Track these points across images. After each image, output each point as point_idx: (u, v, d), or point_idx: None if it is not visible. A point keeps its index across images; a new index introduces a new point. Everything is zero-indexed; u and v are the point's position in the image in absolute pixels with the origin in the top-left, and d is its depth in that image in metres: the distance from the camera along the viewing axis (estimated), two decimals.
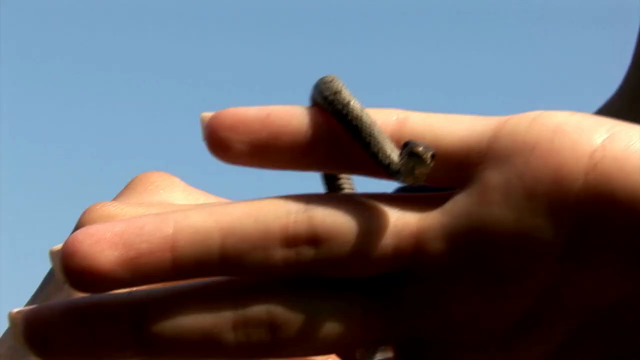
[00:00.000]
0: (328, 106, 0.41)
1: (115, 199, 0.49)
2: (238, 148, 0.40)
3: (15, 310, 0.41)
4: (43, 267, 0.48)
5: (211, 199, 0.48)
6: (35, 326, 0.40)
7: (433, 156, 0.38)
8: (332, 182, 0.45)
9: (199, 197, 0.48)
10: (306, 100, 0.42)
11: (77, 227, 0.46)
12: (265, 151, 0.41)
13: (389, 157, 0.40)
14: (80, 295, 0.41)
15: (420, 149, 0.38)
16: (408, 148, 0.38)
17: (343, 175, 0.45)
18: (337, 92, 0.41)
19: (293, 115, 0.41)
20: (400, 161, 0.38)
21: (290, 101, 0.42)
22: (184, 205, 0.46)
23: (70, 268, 0.39)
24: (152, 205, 0.46)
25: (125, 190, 0.49)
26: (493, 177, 0.39)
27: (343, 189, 0.45)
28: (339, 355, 0.45)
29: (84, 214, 0.46)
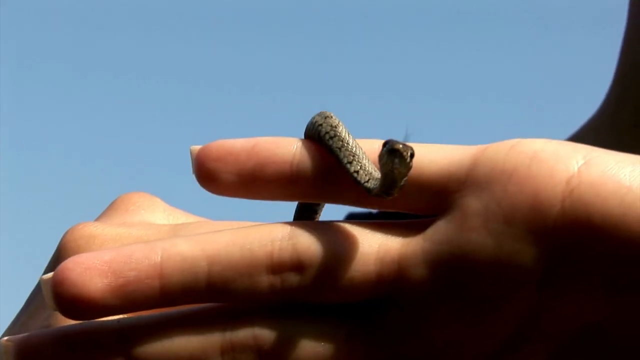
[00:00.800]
0: (316, 132, 0.42)
1: (97, 219, 0.50)
2: (226, 179, 0.42)
3: (5, 338, 0.41)
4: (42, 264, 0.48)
5: (191, 218, 0.49)
6: (26, 355, 0.41)
7: (412, 155, 0.39)
8: (306, 210, 0.45)
9: (180, 217, 0.49)
10: (300, 110, 0.43)
11: (59, 246, 0.47)
12: (251, 181, 0.42)
13: (368, 173, 0.40)
14: (70, 322, 0.42)
15: (400, 146, 0.38)
16: (388, 146, 0.39)
17: (319, 206, 0.46)
18: (327, 117, 0.42)
19: (278, 145, 0.42)
20: (381, 159, 0.39)
21: (287, 104, 0.43)
22: (165, 226, 0.47)
23: (60, 296, 0.40)
24: (133, 225, 0.47)
25: (107, 211, 0.50)
26: (472, 204, 0.40)
27: (316, 215, 0.45)
28: None
29: (66, 234, 0.47)
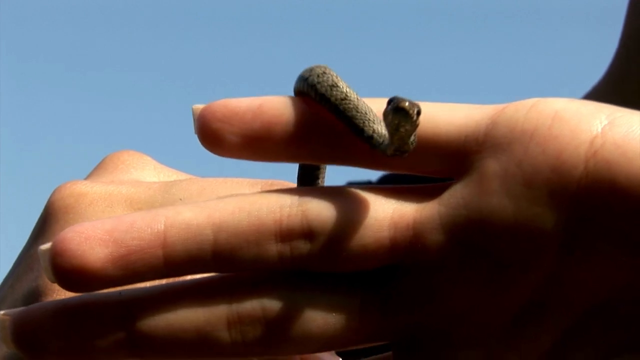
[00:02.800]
0: (310, 89, 0.40)
1: (86, 178, 0.48)
2: (230, 140, 0.39)
3: (2, 312, 0.40)
4: None
5: (182, 176, 0.47)
6: (24, 329, 0.39)
7: (419, 113, 0.36)
8: (308, 174, 0.43)
9: (170, 174, 0.48)
10: None
11: (47, 206, 0.46)
12: (257, 143, 0.40)
13: (378, 132, 0.38)
14: (70, 294, 0.40)
15: (406, 104, 0.36)
16: (393, 103, 0.36)
17: (320, 170, 0.44)
18: (317, 74, 0.40)
19: (285, 105, 0.40)
20: (385, 116, 0.37)
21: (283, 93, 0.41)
22: (156, 184, 0.45)
23: (59, 267, 0.38)
24: (122, 184, 0.46)
25: (96, 170, 0.48)
26: (491, 166, 0.38)
27: (318, 181, 0.43)
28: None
29: (53, 192, 0.46)
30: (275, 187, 0.46)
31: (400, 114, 0.36)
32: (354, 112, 0.39)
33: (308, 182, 0.43)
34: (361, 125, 0.39)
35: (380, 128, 0.39)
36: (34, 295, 0.44)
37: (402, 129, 0.37)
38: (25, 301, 0.44)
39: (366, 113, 0.39)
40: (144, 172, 0.48)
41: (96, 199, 0.45)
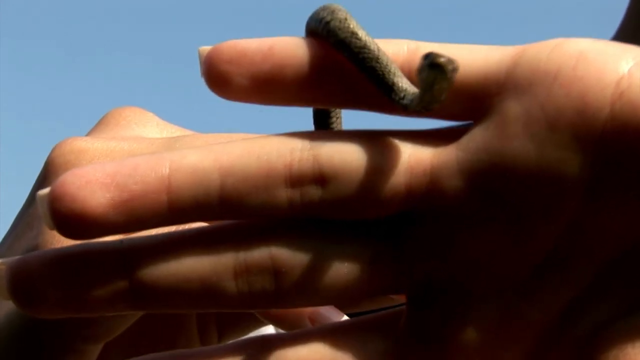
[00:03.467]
0: (328, 34, 0.38)
1: (87, 134, 0.46)
2: (239, 82, 0.38)
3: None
4: None
5: (187, 133, 0.46)
6: (21, 278, 0.37)
7: (456, 69, 0.35)
8: (323, 120, 0.42)
9: (174, 131, 0.47)
10: None
11: (47, 162, 0.44)
12: (268, 85, 0.38)
13: (399, 86, 0.37)
14: (58, 243, 0.38)
15: (443, 59, 0.34)
16: (429, 59, 0.34)
17: (334, 113, 0.42)
18: (339, 20, 0.38)
19: (298, 46, 0.38)
20: (420, 72, 0.35)
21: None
22: (159, 139, 0.44)
23: (58, 212, 0.36)
24: (124, 140, 0.44)
25: (97, 126, 0.47)
26: (512, 109, 0.36)
27: (333, 126, 0.42)
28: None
29: (54, 149, 0.44)
30: None
31: (436, 69, 0.34)
32: (374, 63, 0.37)
33: (323, 128, 0.41)
34: (381, 76, 0.37)
35: (401, 81, 0.37)
36: None
37: (437, 86, 0.35)
38: None
39: (387, 65, 0.37)
40: (147, 128, 0.46)
41: (97, 155, 0.44)
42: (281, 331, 0.40)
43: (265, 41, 0.38)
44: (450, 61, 0.34)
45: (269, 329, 0.53)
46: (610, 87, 0.36)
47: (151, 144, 0.44)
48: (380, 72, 0.37)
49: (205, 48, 0.38)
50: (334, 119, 0.42)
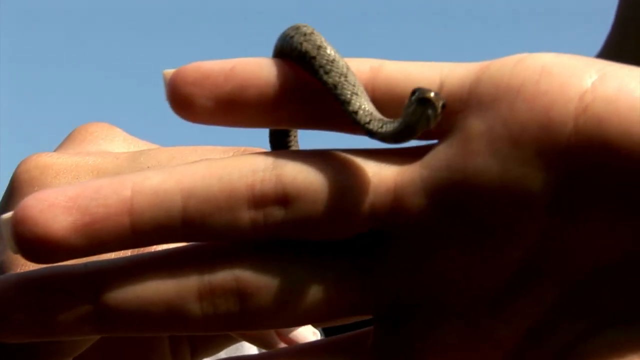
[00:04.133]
0: (292, 50, 0.37)
1: (54, 150, 0.47)
2: (202, 104, 0.37)
3: None
4: None
5: (152, 147, 0.46)
6: None
7: (444, 106, 0.34)
8: (280, 139, 0.41)
9: (141, 146, 0.47)
10: None
11: (12, 178, 0.44)
12: (230, 106, 0.38)
13: (364, 109, 0.36)
14: (34, 267, 0.38)
15: (432, 94, 0.34)
16: (418, 94, 0.34)
17: (292, 132, 0.42)
18: (303, 34, 0.38)
19: (260, 66, 0.38)
20: (407, 107, 0.35)
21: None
22: (124, 154, 0.44)
23: (21, 236, 0.36)
24: (89, 154, 0.44)
25: (64, 142, 0.47)
26: (475, 125, 0.36)
27: (290, 144, 0.41)
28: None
29: (19, 165, 0.44)
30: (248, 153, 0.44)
31: (425, 105, 0.34)
32: (342, 79, 0.37)
33: (280, 148, 0.41)
34: (347, 96, 0.37)
35: (367, 105, 0.37)
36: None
37: (422, 123, 0.35)
38: None
39: (354, 84, 0.37)
40: (113, 143, 0.47)
41: (62, 170, 0.44)
42: (254, 349, 0.40)
43: (228, 62, 0.38)
44: (439, 97, 0.34)
45: (244, 345, 0.52)
46: (574, 101, 0.35)
47: (116, 158, 0.44)
48: (348, 92, 0.37)
49: (170, 71, 0.38)
50: (292, 138, 0.41)
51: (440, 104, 0.34)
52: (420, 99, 0.34)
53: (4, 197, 0.45)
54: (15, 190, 0.44)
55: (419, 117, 0.34)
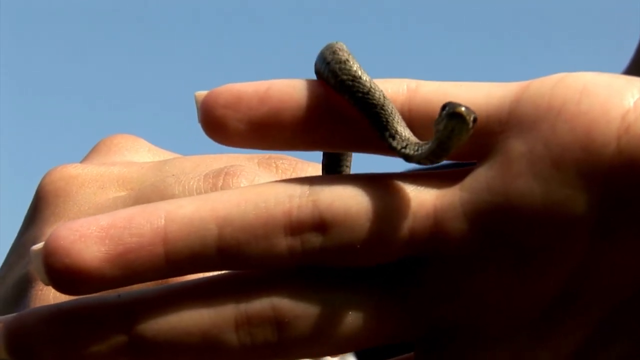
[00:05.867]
0: (329, 76, 0.37)
1: (80, 162, 0.47)
2: (236, 127, 0.37)
3: None
4: None
5: (177, 157, 0.46)
6: (18, 337, 0.36)
7: (475, 120, 0.34)
8: (333, 165, 0.41)
9: (166, 156, 0.47)
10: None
11: (38, 190, 0.44)
12: (265, 130, 0.37)
13: (401, 135, 0.36)
14: (66, 298, 0.37)
15: (463, 109, 0.33)
16: (448, 109, 0.34)
17: (344, 159, 0.41)
18: (340, 61, 0.37)
19: (294, 88, 0.37)
20: (437, 123, 0.34)
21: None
22: (148, 163, 0.44)
23: (52, 267, 0.35)
24: (114, 164, 0.44)
25: (89, 154, 0.47)
26: (516, 147, 0.35)
27: (343, 169, 0.41)
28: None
29: (44, 177, 0.45)
30: (272, 161, 0.44)
31: (455, 119, 0.33)
32: (379, 110, 0.36)
33: (333, 172, 0.40)
34: (384, 124, 0.36)
35: (404, 131, 0.36)
36: (23, 283, 0.42)
37: (455, 136, 0.34)
38: (15, 290, 0.42)
39: (392, 113, 0.36)
40: (138, 154, 0.47)
41: (87, 181, 0.44)
42: None
43: (262, 84, 0.37)
44: (470, 111, 0.33)
45: None
46: (616, 120, 0.34)
47: (141, 167, 0.44)
48: (384, 120, 0.36)
49: (202, 93, 0.37)
50: (346, 162, 0.41)
51: (471, 117, 0.34)
52: (450, 113, 0.34)
53: (30, 208, 0.45)
54: (41, 202, 0.44)
55: (450, 132, 0.34)
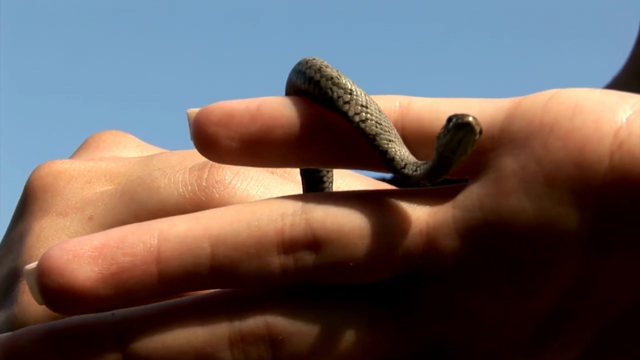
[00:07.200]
0: (319, 94, 0.37)
1: (69, 158, 0.47)
2: (228, 145, 0.37)
3: None
4: None
5: (165, 152, 0.46)
6: (13, 357, 0.36)
7: (481, 132, 0.33)
8: (312, 180, 0.41)
9: (154, 151, 0.47)
10: None
11: (26, 186, 0.44)
12: (257, 147, 0.37)
13: (400, 155, 0.36)
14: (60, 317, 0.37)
15: (471, 118, 0.33)
16: (456, 119, 0.33)
17: (326, 176, 0.41)
18: (329, 77, 0.37)
19: (285, 105, 0.37)
20: (442, 136, 0.34)
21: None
22: (135, 158, 0.44)
23: (46, 287, 0.35)
24: (102, 160, 0.45)
25: (78, 150, 0.48)
26: (508, 164, 0.35)
27: (324, 184, 0.41)
28: None
29: (32, 173, 0.44)
30: None
31: (464, 129, 0.33)
32: (376, 127, 0.36)
33: (313, 188, 0.40)
34: (385, 145, 0.36)
35: (402, 150, 0.36)
36: (12, 277, 0.42)
37: (461, 149, 0.33)
38: (3, 284, 0.43)
39: (389, 130, 0.36)
40: (127, 149, 0.47)
41: (75, 176, 0.44)
42: None
43: (253, 101, 0.37)
44: (478, 121, 0.33)
45: None
46: (609, 137, 0.34)
47: (128, 162, 0.44)
48: (384, 140, 0.36)
49: (194, 110, 0.37)
50: (327, 178, 0.40)
51: (478, 128, 0.33)
52: (459, 124, 0.33)
53: (18, 204, 0.45)
54: (29, 197, 0.44)
55: (457, 144, 0.33)
